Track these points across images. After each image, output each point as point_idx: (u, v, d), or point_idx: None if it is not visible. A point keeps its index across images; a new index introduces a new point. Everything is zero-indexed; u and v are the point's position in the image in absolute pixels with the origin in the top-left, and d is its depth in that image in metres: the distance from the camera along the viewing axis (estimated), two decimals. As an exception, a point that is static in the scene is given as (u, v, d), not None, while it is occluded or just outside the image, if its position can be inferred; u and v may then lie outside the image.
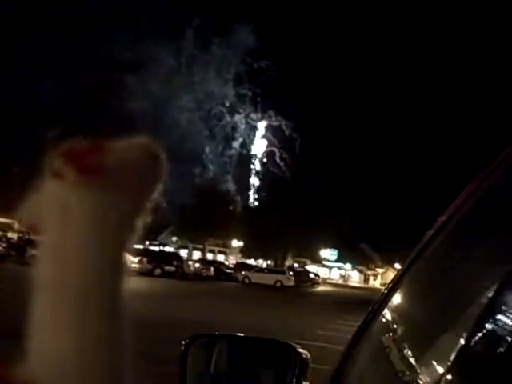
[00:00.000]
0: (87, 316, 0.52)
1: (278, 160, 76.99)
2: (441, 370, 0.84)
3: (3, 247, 36.85)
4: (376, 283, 71.81)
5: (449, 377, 0.80)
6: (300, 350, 1.41)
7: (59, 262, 0.53)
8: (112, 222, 0.54)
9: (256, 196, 76.16)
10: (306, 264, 65.38)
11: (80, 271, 0.53)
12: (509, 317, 0.74)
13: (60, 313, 0.52)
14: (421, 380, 0.90)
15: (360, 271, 79.30)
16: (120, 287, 0.55)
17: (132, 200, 0.56)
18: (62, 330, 0.52)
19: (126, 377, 0.53)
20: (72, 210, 0.53)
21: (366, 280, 77.79)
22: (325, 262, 74.32)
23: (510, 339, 0.69)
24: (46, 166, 0.53)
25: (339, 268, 77.93)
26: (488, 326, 0.78)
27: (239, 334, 1.57)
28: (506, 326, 0.73)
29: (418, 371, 0.94)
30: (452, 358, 0.81)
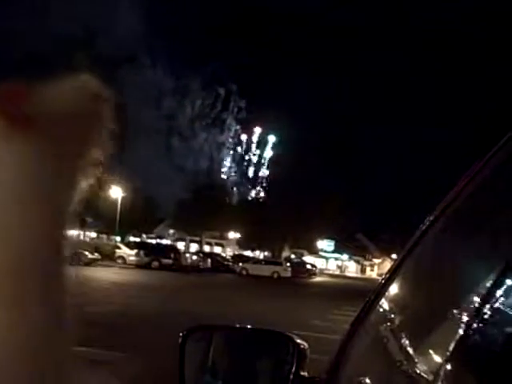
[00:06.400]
0: (6, 299, 0.43)
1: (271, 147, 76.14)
2: (439, 359, 0.84)
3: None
4: (373, 273, 71.97)
5: (448, 366, 0.81)
6: (298, 341, 1.41)
7: None
8: (48, 181, 0.45)
9: (253, 187, 75.98)
10: (302, 255, 65.49)
11: (3, 242, 0.43)
12: (507, 306, 0.74)
13: None
14: (419, 369, 0.90)
15: (357, 262, 79.50)
16: (54, 267, 0.45)
17: (72, 153, 0.46)
18: None
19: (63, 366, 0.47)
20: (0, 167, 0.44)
21: (363, 270, 78.00)
22: (322, 253, 74.50)
23: (508, 329, 0.69)
24: None
25: (336, 259, 78.12)
26: (486, 315, 0.78)
27: (237, 325, 1.57)
28: (504, 316, 0.73)
29: (416, 361, 0.94)
30: (451, 347, 0.81)
